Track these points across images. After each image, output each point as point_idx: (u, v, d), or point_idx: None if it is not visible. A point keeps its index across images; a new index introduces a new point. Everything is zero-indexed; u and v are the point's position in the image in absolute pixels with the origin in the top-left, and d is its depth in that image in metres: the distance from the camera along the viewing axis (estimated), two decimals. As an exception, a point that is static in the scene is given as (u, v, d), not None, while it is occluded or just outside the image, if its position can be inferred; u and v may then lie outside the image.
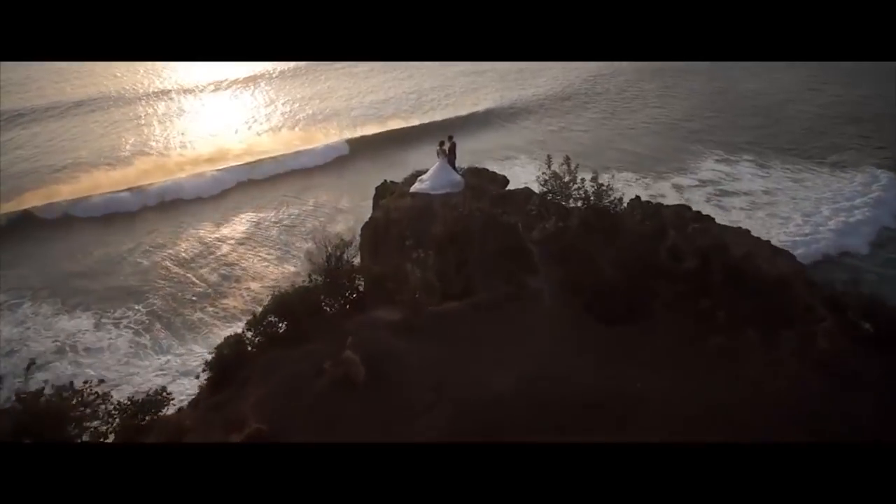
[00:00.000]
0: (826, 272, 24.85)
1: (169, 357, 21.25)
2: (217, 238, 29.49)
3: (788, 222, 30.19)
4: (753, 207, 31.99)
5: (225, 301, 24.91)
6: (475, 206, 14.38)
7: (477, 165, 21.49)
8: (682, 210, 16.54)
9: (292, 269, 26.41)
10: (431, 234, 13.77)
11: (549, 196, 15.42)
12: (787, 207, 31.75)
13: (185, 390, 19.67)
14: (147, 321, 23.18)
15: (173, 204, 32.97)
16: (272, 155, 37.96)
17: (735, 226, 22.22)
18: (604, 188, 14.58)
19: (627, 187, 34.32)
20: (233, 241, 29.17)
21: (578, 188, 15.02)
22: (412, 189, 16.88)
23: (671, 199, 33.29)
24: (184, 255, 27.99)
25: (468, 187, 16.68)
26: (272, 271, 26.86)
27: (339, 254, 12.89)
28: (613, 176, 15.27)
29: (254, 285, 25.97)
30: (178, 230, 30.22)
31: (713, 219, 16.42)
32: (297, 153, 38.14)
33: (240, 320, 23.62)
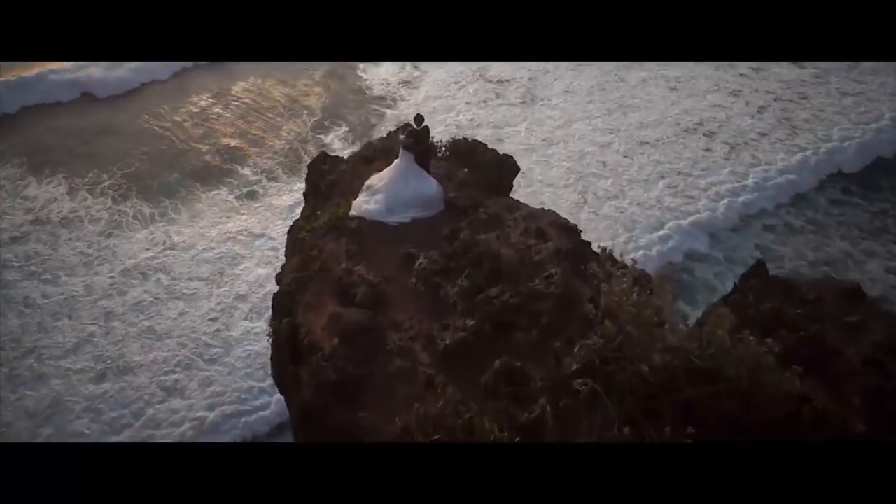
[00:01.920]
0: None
1: (152, 229, 20.49)
2: (206, 99, 26.73)
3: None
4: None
5: (205, 159, 23.53)
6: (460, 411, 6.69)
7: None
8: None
9: (277, 142, 24.61)
10: None
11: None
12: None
13: (174, 267, 19.32)
14: (124, 185, 22.00)
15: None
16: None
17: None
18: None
19: None
20: (223, 104, 26.56)
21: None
22: (356, 209, 10.51)
23: None
24: (162, 118, 25.65)
25: (452, 210, 10.28)
26: (258, 131, 25.09)
27: None
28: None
29: (234, 142, 24.39)
30: (159, 94, 27.14)
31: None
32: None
33: (222, 184, 22.59)
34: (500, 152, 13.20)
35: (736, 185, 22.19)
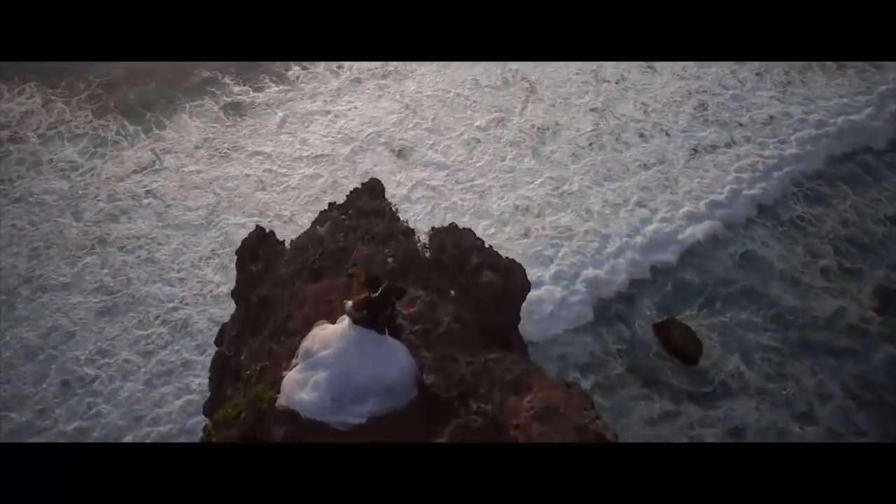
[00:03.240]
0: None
1: (138, 146, 19.39)
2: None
3: None
4: None
5: (186, 65, 21.77)
6: None
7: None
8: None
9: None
10: None
11: None
12: None
13: (165, 190, 18.38)
14: (102, 96, 20.52)
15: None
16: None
17: None
18: None
19: None
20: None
21: None
22: (286, 396, 6.95)
23: None
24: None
25: (430, 402, 6.86)
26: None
27: None
28: None
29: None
30: None
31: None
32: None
33: (205, 93, 21.11)
34: (504, 256, 9.40)
35: (775, 111, 20.50)
